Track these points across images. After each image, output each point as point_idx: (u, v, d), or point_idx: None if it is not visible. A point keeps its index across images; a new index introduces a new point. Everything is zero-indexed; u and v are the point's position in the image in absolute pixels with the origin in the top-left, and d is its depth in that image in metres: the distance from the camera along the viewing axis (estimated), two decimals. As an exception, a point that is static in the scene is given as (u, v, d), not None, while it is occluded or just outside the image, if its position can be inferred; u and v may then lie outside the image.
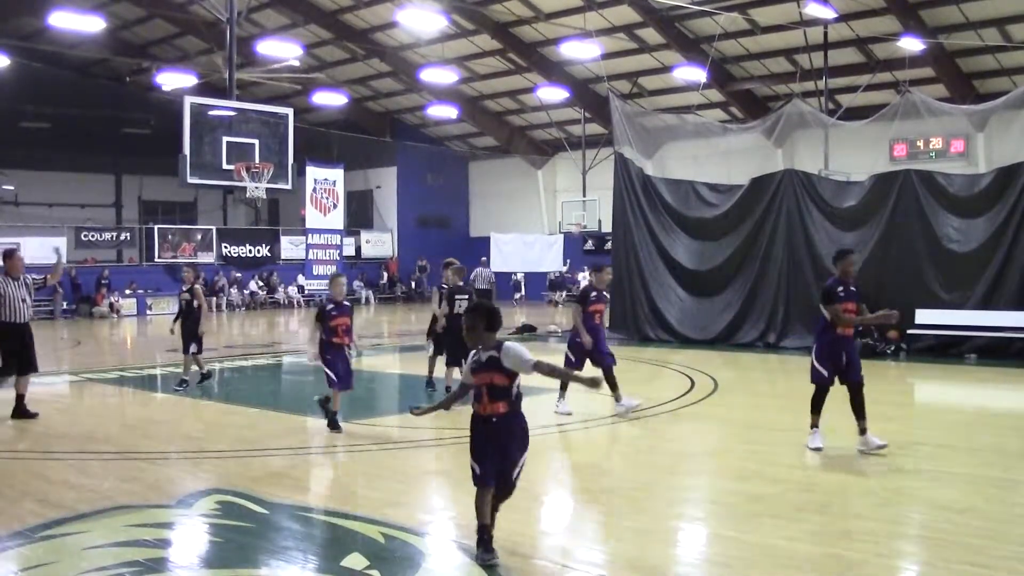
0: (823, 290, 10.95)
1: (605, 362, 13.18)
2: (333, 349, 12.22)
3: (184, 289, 16.51)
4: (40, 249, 36.91)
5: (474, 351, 7.08)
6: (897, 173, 21.69)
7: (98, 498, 8.65)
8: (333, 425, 11.99)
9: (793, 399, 15.41)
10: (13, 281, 13.16)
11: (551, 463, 10.77)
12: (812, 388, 10.91)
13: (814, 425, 10.87)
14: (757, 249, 22.56)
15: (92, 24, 30.66)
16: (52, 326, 33.34)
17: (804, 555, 7.00)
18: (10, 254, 13.48)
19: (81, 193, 45.74)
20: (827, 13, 27.88)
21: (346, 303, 12.52)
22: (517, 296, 45.01)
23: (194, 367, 16.55)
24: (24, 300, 13.24)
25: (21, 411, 13.16)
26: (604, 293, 13.83)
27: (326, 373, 12.15)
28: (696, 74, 32.29)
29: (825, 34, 30.07)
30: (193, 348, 16.32)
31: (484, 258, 33.64)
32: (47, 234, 38.56)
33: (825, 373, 10.78)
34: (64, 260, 15.31)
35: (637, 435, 12.08)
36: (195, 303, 16.34)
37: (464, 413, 6.60)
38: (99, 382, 17.67)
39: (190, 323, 16.32)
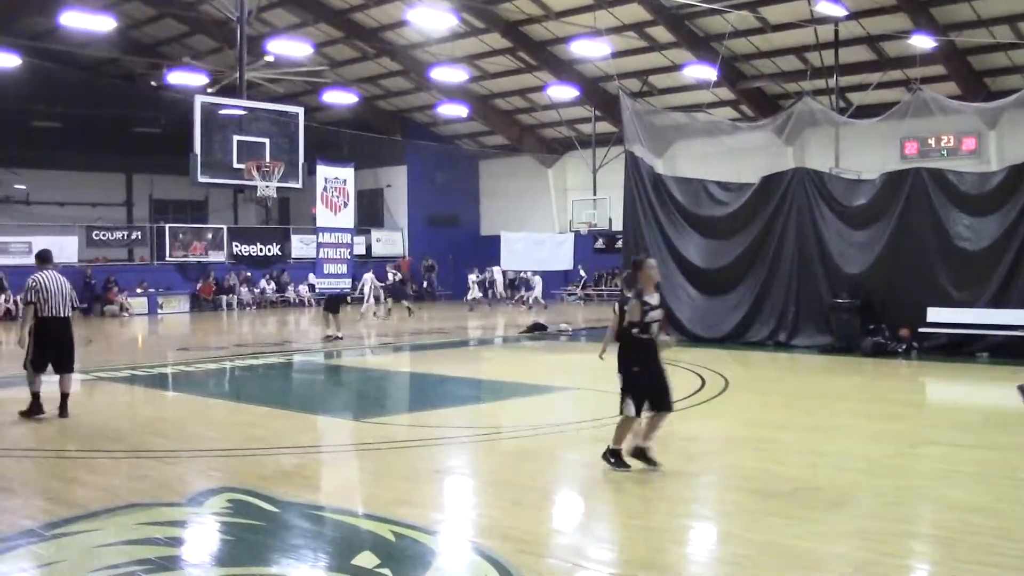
0: None
1: None
2: None
3: None
4: (51, 248, 37.08)
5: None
6: (908, 171, 21.59)
7: (109, 496, 8.66)
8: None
9: (803, 398, 15.44)
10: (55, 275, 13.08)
11: (562, 462, 10.78)
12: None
13: None
14: (767, 247, 22.50)
15: (103, 23, 30.72)
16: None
17: (814, 554, 6.99)
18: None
19: (92, 192, 45.83)
20: (838, 11, 27.81)
21: None
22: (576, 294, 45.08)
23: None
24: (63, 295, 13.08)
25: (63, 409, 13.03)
26: None
27: None
28: (706, 72, 32.28)
29: (836, 32, 30.03)
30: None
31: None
32: (58, 233, 38.70)
33: None
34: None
35: (647, 434, 12.05)
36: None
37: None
38: (110, 380, 17.70)
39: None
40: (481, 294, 43.30)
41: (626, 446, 9.53)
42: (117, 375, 18.37)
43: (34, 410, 12.97)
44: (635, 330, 9.51)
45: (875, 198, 21.33)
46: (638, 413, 9.42)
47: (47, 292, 12.88)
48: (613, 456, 9.52)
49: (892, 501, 8.50)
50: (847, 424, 12.18)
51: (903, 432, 11.36)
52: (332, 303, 25.93)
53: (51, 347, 13.03)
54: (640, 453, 9.45)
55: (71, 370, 13.31)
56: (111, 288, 38.30)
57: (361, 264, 34.76)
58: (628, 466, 9.42)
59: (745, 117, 36.27)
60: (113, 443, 11.32)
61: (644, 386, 9.46)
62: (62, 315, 13.03)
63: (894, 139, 31.36)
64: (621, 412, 9.46)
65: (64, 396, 13.10)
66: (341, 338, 25.10)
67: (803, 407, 14.09)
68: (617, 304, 11.55)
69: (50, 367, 13.13)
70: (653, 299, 9.69)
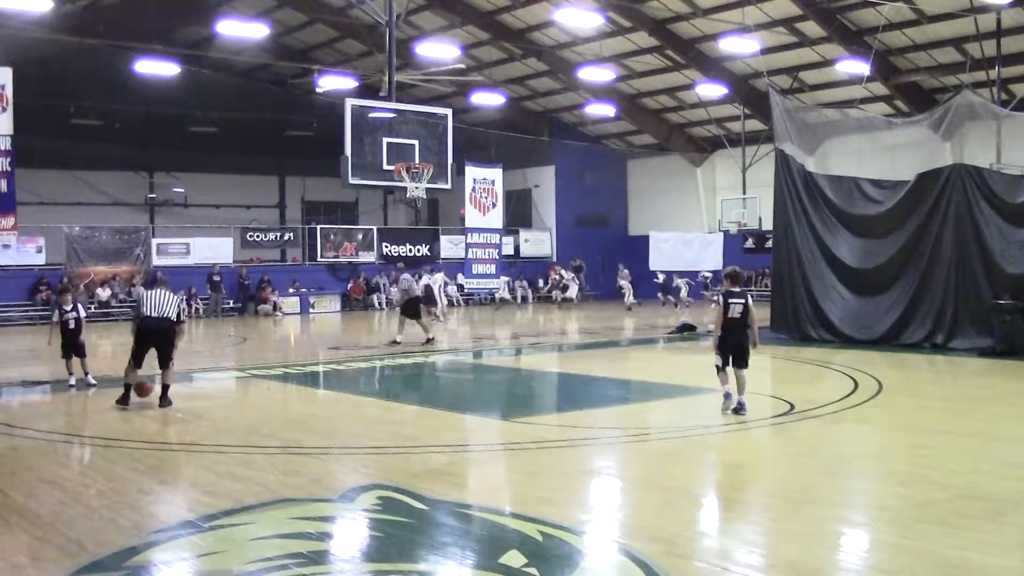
0: None
1: None
2: None
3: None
4: (208, 249, 38.39)
5: None
6: (1076, 166, 20.74)
7: (263, 491, 8.87)
8: None
9: (962, 402, 14.94)
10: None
11: (710, 463, 10.65)
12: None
13: None
14: (924, 246, 21.84)
15: (257, 31, 31.60)
16: (217, 324, 34.46)
17: (974, 565, 6.73)
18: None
19: (246, 194, 47.18)
20: (1001, -2, 26.89)
21: None
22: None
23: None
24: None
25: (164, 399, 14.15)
26: None
27: None
28: (859, 67, 31.55)
29: (998, 21, 28.98)
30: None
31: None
32: (214, 234, 39.93)
33: None
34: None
35: (798, 436, 11.83)
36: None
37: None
38: (264, 378, 18.16)
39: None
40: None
41: None
42: (270, 373, 18.85)
43: (124, 399, 13.96)
44: None
45: (1040, 194, 20.52)
46: None
47: (145, 300, 14.13)
48: None
49: (1059, 511, 8.14)
50: (1009, 430, 11.73)
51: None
52: (410, 307, 24.49)
53: (146, 344, 14.04)
54: None
55: (167, 367, 14.14)
56: (264, 288, 39.29)
57: (511, 263, 35.06)
58: None
59: (900, 112, 35.34)
60: (266, 439, 11.59)
61: None
62: (154, 315, 13.93)
63: (1060, 133, 30.17)
64: None
65: (164, 387, 14.12)
66: (402, 342, 24.12)
67: (961, 412, 13.63)
68: (721, 297, 12.27)
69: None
70: None
